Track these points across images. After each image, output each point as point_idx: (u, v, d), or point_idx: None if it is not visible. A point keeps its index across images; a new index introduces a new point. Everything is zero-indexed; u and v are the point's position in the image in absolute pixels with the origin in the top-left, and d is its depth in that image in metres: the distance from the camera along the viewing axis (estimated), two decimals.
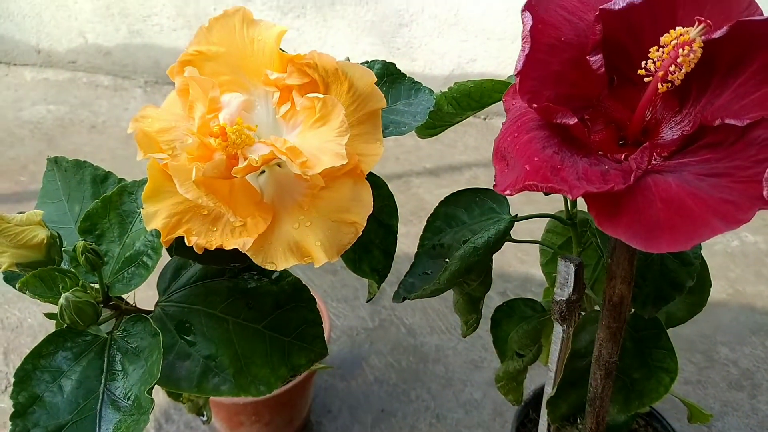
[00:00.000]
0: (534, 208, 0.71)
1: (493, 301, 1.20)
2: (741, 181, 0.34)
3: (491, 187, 0.59)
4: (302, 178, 0.41)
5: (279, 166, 0.43)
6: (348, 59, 0.49)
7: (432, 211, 0.61)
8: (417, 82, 0.56)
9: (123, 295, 0.46)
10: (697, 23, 0.34)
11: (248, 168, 0.38)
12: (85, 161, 0.46)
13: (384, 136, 0.50)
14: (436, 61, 1.69)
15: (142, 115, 0.45)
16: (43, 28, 1.88)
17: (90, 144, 1.65)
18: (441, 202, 0.60)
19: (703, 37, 0.35)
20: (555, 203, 0.83)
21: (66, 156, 0.53)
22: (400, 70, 0.57)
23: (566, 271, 0.50)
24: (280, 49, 0.43)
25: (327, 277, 1.24)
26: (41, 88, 1.89)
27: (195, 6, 1.74)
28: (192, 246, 0.39)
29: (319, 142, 0.40)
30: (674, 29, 0.35)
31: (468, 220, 0.58)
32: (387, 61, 0.56)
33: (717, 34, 0.36)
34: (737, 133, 0.36)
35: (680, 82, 0.37)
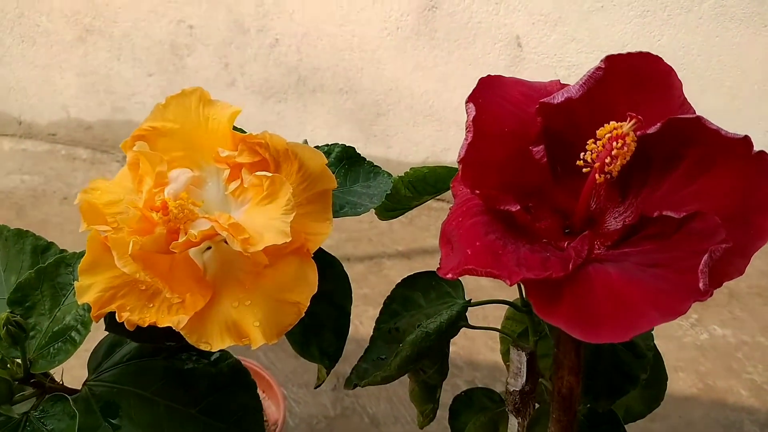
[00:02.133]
0: (508, 294, 0.71)
1: (461, 390, 1.16)
2: (679, 272, 0.34)
3: None
4: (245, 256, 0.40)
5: (226, 242, 0.43)
6: (306, 141, 0.50)
7: (389, 294, 0.60)
8: (376, 165, 0.57)
9: (52, 373, 0.44)
10: (629, 118, 0.35)
11: (187, 243, 0.37)
12: (27, 231, 0.45)
13: (339, 216, 0.50)
14: (411, 148, 1.73)
15: (91, 186, 0.45)
16: (27, 101, 1.91)
17: (60, 215, 1.63)
18: (398, 284, 0.59)
19: (638, 132, 0.37)
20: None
21: (33, 226, 0.52)
22: (359, 154, 0.58)
23: (518, 360, 0.49)
24: (236, 128, 0.44)
25: (289, 361, 1.19)
26: (18, 158, 1.89)
27: (179, 87, 1.78)
28: (123, 322, 0.38)
29: (264, 220, 0.39)
30: (609, 123, 0.36)
31: (424, 303, 0.57)
32: (347, 144, 0.57)
33: (651, 130, 0.37)
34: (675, 224, 0.36)
35: (618, 174, 0.38)
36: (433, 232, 1.70)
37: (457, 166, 0.55)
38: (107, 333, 0.45)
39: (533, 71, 1.61)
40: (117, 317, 0.37)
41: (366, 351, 0.58)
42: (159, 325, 0.38)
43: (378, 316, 0.59)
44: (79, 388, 0.43)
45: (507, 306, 0.67)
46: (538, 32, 1.54)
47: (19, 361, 0.39)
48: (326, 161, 0.42)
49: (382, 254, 1.61)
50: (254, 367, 0.92)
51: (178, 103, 0.44)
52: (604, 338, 0.32)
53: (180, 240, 0.37)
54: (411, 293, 0.59)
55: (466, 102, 0.39)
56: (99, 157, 1.90)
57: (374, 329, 0.59)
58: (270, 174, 0.40)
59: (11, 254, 0.44)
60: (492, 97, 0.40)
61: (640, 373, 0.47)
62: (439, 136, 1.71)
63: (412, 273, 0.59)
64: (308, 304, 0.41)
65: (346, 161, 0.57)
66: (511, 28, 1.55)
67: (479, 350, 1.30)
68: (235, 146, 0.42)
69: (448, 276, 0.36)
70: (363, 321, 1.29)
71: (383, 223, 1.69)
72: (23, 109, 1.92)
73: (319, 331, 0.53)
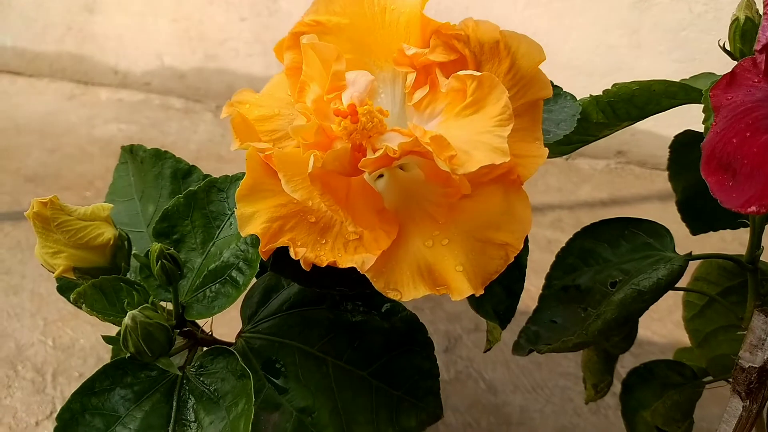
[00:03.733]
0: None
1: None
2: None
3: (646, 218, 0.48)
4: (437, 183, 0.31)
5: (401, 168, 0.34)
6: None
7: (563, 246, 0.50)
8: (557, 86, 0.47)
9: (198, 321, 0.37)
10: None
11: (382, 159, 0.29)
12: (166, 151, 0.38)
13: None
14: None
15: (238, 99, 0.37)
16: (123, 50, 1.91)
17: None
18: (576, 234, 0.49)
19: None
20: (696, 242, 0.70)
21: None
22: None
23: (765, 329, 0.38)
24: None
25: None
26: (115, 107, 1.90)
27: (273, 32, 1.72)
28: (297, 261, 0.30)
29: (469, 134, 0.30)
30: None
31: (613, 257, 0.47)
32: None
33: None
34: None
35: None
36: (542, 188, 1.57)
37: (676, 81, 0.44)
38: (257, 277, 0.38)
39: (663, 7, 1.42)
40: (292, 253, 0.29)
41: (535, 311, 0.49)
42: (340, 266, 0.30)
43: (549, 271, 0.50)
44: (228, 341, 0.36)
45: (698, 263, 0.56)
46: None
47: (167, 306, 0.32)
48: (544, 58, 0.32)
49: None
50: None
51: None
52: None
53: (372, 156, 0.29)
54: (594, 245, 0.48)
55: None
56: (192, 106, 1.88)
57: (544, 287, 0.50)
58: (478, 73, 0.30)
59: (147, 180, 0.37)
60: None
61: None
62: None
63: None
64: (521, 246, 0.31)
65: None
66: None
67: None
68: (425, 41, 0.33)
69: (750, 209, 0.26)
70: None
71: None
72: (119, 58, 1.92)
73: (489, 285, 0.44)
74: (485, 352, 0.45)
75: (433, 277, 0.31)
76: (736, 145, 0.29)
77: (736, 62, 0.34)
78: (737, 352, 0.40)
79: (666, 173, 0.52)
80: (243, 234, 0.29)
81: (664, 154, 0.52)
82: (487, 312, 0.43)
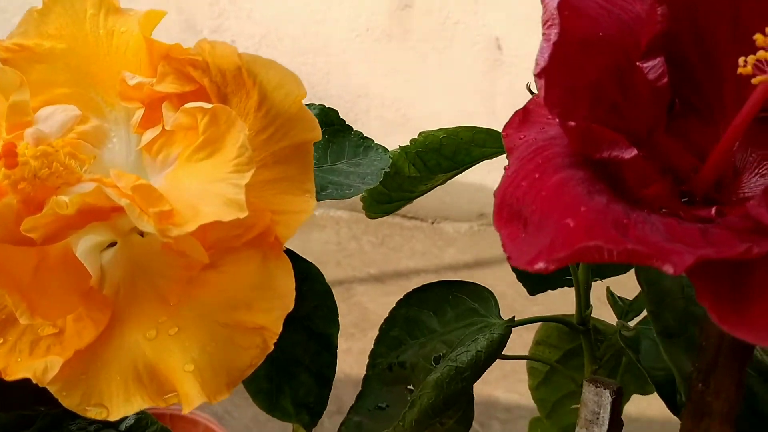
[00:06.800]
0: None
1: None
2: None
3: (469, 281, 0.44)
4: (171, 250, 0.23)
5: (141, 235, 0.26)
6: None
7: (387, 316, 0.44)
8: (367, 138, 0.42)
9: None
10: None
11: (52, 219, 0.20)
12: None
13: (321, 199, 0.34)
14: None
15: None
16: None
17: None
18: (400, 302, 0.43)
19: None
20: (531, 305, 0.66)
21: None
22: (344, 121, 0.43)
23: (597, 402, 0.33)
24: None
25: (248, 408, 1.00)
26: None
27: None
28: None
29: (200, 183, 0.23)
30: None
31: (439, 327, 0.41)
32: (327, 106, 0.42)
33: None
34: None
35: None
36: (407, 252, 1.54)
37: (482, 128, 0.40)
38: None
39: (514, 77, 1.49)
40: None
41: (359, 397, 0.41)
42: (9, 377, 0.21)
43: (373, 347, 0.43)
44: None
45: (536, 326, 0.52)
46: (519, 33, 1.43)
47: None
48: (304, 94, 0.26)
49: (352, 278, 1.44)
50: (201, 419, 0.73)
51: (64, 9, 0.27)
52: None
53: (40, 213, 0.20)
54: (419, 314, 0.42)
55: None
56: None
57: (368, 366, 0.43)
58: (209, 106, 0.23)
59: None
60: None
61: None
62: None
63: (387, 297, 0.44)
64: (279, 329, 0.24)
65: (327, 130, 0.42)
66: (491, 29, 1.44)
67: None
68: (153, 68, 0.26)
69: (538, 266, 0.20)
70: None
71: (352, 245, 1.53)
72: None
73: (293, 372, 0.37)
74: None
75: (157, 382, 0.22)
76: (525, 189, 0.24)
77: None
78: None
79: None
80: None
81: None
82: (285, 410, 0.35)
